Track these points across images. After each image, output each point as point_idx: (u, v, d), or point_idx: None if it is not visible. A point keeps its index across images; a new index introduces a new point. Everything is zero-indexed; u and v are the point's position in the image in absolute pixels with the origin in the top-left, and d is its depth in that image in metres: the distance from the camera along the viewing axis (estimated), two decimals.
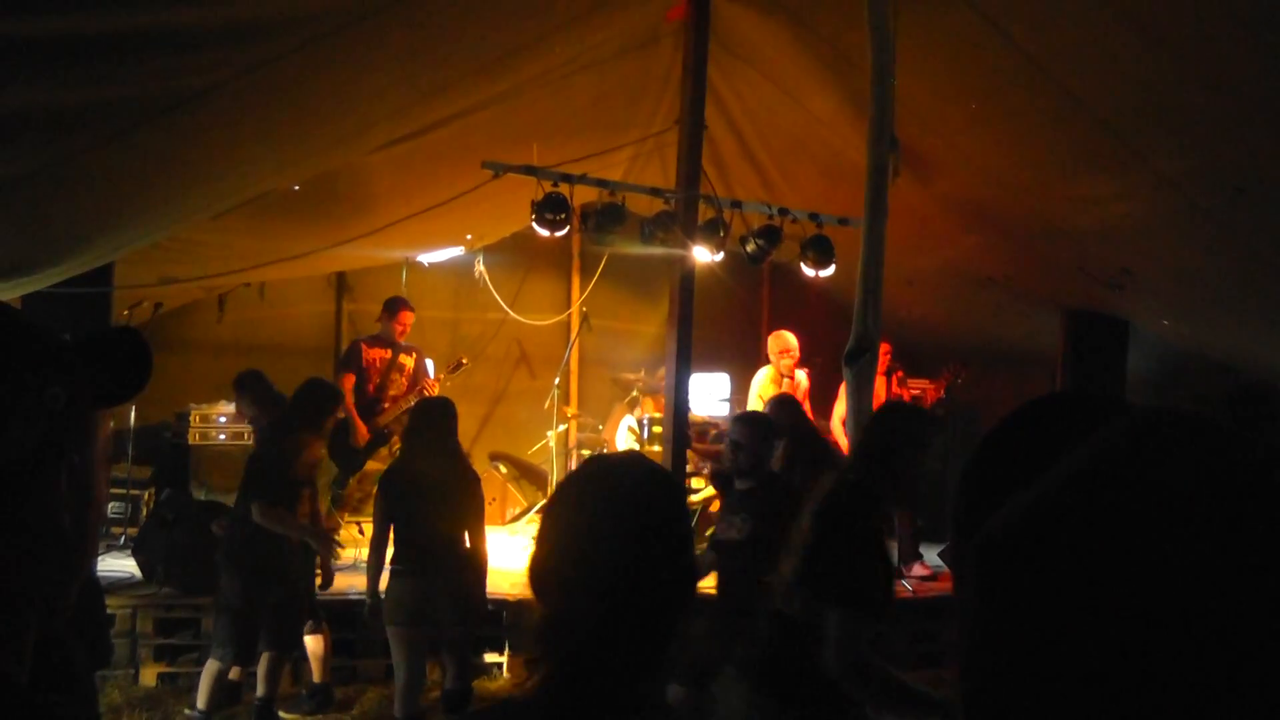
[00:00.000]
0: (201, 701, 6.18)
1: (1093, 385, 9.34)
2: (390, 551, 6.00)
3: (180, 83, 3.90)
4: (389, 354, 9.55)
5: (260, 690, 6.29)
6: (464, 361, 9.99)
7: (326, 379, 6.57)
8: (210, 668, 6.19)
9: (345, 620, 7.64)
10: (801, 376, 9.40)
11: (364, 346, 9.53)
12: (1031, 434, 0.87)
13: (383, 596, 6.04)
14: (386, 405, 9.44)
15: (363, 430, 9.25)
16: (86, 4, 3.17)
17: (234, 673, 6.46)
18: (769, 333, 10.08)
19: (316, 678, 6.87)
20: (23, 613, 1.13)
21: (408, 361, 9.66)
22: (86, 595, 1.32)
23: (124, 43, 3.37)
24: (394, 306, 9.66)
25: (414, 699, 5.97)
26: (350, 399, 9.20)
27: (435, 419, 6.16)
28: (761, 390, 9.06)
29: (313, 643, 6.77)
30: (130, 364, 1.24)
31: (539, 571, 1.57)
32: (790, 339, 9.23)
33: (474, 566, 6.07)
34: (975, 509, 0.86)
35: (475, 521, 6.04)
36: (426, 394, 8.96)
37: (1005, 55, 5.79)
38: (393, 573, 5.94)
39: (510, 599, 7.89)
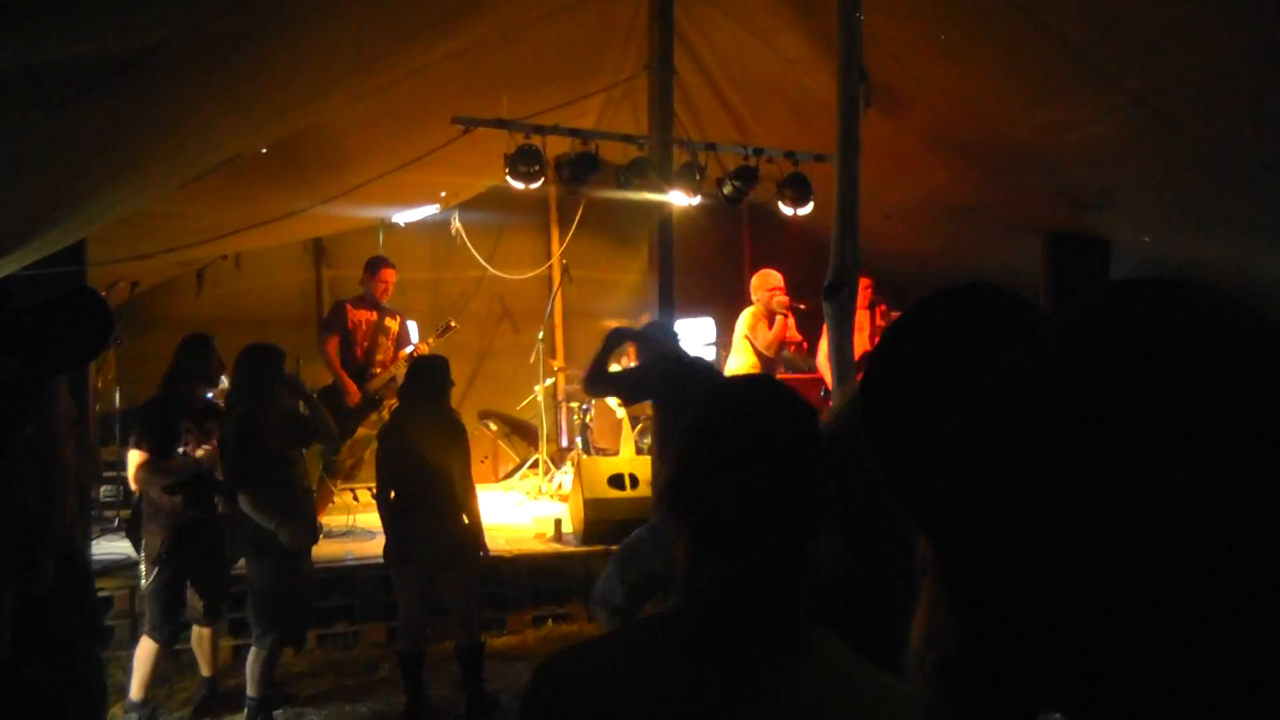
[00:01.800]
0: (254, 689, 6.12)
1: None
2: None
3: (128, 41, 3.82)
4: (374, 316, 9.47)
5: (252, 689, 6.13)
6: (452, 325, 9.93)
7: (264, 343, 6.41)
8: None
9: (344, 585, 7.69)
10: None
11: (349, 307, 9.41)
12: (945, 330, 0.84)
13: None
14: (376, 370, 9.36)
15: (354, 390, 9.18)
16: None
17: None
18: (752, 274, 10.04)
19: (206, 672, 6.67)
20: None
21: (393, 325, 9.59)
22: (71, 565, 1.30)
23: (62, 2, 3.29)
24: (375, 265, 9.56)
25: (410, 635, 6.35)
26: (336, 362, 9.15)
27: (430, 376, 6.45)
28: (748, 330, 9.00)
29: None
30: (87, 324, 1.21)
31: (680, 494, 1.55)
32: (776, 276, 9.14)
33: (459, 515, 6.34)
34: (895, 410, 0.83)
35: (462, 475, 6.31)
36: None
37: None
38: (393, 516, 6.33)
39: (507, 555, 7.92)
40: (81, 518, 7.07)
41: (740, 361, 8.78)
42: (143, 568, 6.22)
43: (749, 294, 9.09)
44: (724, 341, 11.38)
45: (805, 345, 9.40)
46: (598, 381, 6.40)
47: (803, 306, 8.93)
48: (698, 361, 6.54)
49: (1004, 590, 0.65)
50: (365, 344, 9.39)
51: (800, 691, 1.46)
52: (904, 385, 0.80)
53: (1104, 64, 6.14)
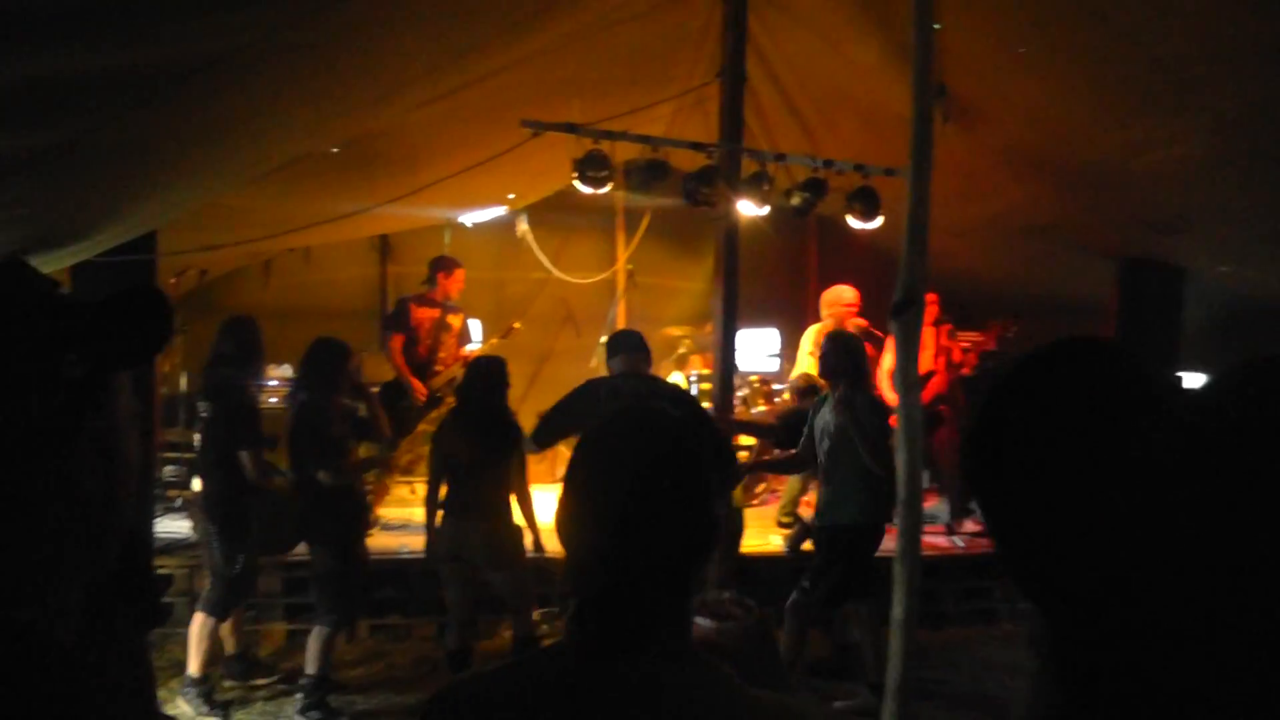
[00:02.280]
0: (313, 666, 6.24)
1: (1148, 335, 9.18)
2: None
3: (210, 45, 3.87)
4: (437, 314, 9.49)
5: (311, 667, 6.30)
6: (516, 326, 9.96)
7: (333, 338, 6.58)
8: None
9: (399, 578, 7.75)
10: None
11: (412, 306, 9.45)
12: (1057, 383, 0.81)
13: None
14: (439, 368, 9.39)
15: (420, 389, 9.23)
16: None
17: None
18: (818, 287, 9.96)
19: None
20: (63, 579, 1.13)
21: (455, 322, 9.61)
22: (131, 557, 1.31)
23: (151, 4, 3.33)
24: (450, 266, 9.58)
25: (458, 632, 6.50)
26: (401, 360, 9.19)
27: (487, 377, 6.54)
28: (814, 346, 8.91)
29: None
30: (151, 322, 1.22)
31: (560, 521, 1.67)
32: (851, 293, 9.04)
33: (510, 516, 6.45)
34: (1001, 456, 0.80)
35: (518, 476, 6.42)
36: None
37: None
38: (443, 515, 6.40)
39: (561, 556, 7.92)
40: (144, 504, 7.22)
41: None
42: (218, 547, 6.32)
43: (815, 307, 9.02)
44: (788, 354, 11.32)
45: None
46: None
47: (864, 323, 8.87)
48: (647, 385, 6.34)
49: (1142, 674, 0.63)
50: (428, 341, 9.41)
51: (677, 709, 1.51)
52: (1017, 456, 0.77)
53: (1191, 82, 5.98)
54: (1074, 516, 0.67)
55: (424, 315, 9.43)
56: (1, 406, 1.07)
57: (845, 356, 6.66)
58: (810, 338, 9.04)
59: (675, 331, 11.19)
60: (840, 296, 8.98)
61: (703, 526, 1.63)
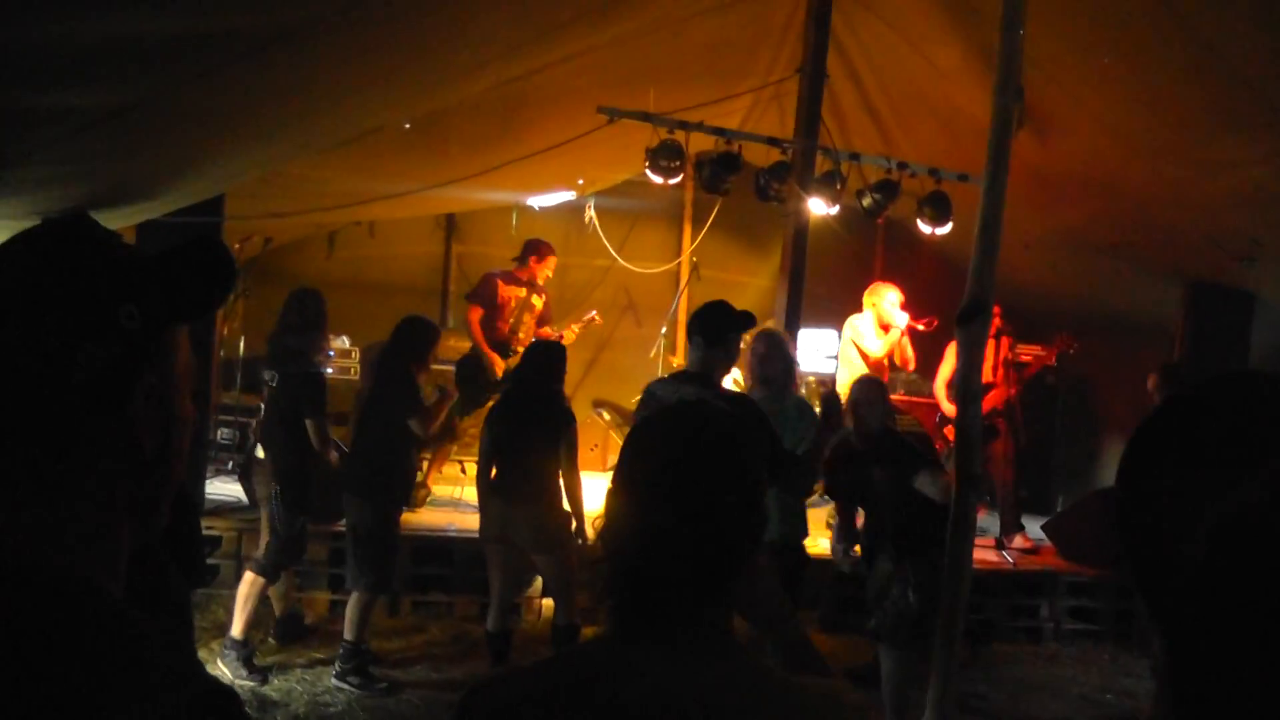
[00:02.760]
0: (351, 632, 6.32)
1: (1214, 361, 9.03)
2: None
3: (290, 12, 3.88)
4: (523, 293, 9.45)
5: (350, 633, 6.37)
6: (596, 319, 9.92)
7: (423, 316, 6.75)
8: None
9: (443, 556, 7.78)
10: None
11: (499, 282, 9.36)
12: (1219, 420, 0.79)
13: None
14: (517, 348, 9.31)
15: (499, 361, 9.21)
16: None
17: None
18: None
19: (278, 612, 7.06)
20: (114, 531, 1.12)
21: (538, 302, 9.55)
22: (181, 516, 1.30)
23: None
24: (543, 249, 9.50)
25: (501, 614, 6.46)
26: (479, 332, 9.17)
27: (545, 362, 6.47)
28: (856, 336, 8.66)
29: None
30: (211, 275, 1.19)
31: (606, 509, 1.65)
32: (895, 291, 8.77)
33: (558, 502, 6.38)
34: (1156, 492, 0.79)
35: (568, 461, 6.32)
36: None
37: (1142, 3, 5.53)
38: (489, 494, 6.36)
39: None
40: (195, 464, 7.31)
41: (847, 373, 8.43)
42: (279, 510, 6.39)
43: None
44: None
45: (912, 367, 9.12)
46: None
47: (921, 327, 8.71)
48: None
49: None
50: (511, 320, 9.38)
51: (715, 699, 1.49)
52: (1167, 488, 0.77)
53: (1276, 101, 5.86)
54: (1230, 552, 0.66)
55: (510, 294, 9.39)
56: (56, 358, 1.05)
57: (781, 360, 6.10)
58: (853, 329, 8.79)
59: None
60: (881, 291, 8.71)
61: (748, 521, 1.62)
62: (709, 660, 1.53)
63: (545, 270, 9.48)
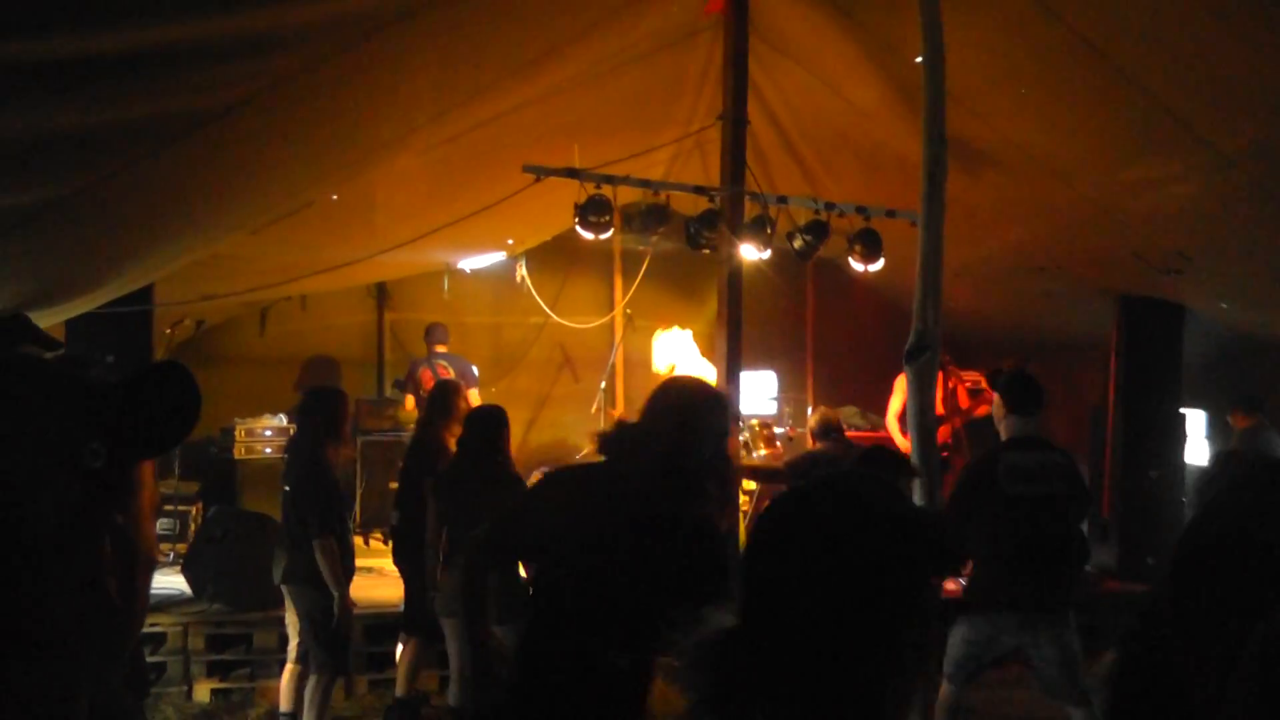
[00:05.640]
0: (311, 718, 6.12)
1: (1148, 371, 9.17)
2: None
3: (212, 97, 3.81)
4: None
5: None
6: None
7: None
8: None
9: (396, 632, 7.60)
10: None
11: (424, 370, 9.62)
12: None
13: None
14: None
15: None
16: (105, 21, 3.05)
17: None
18: (815, 329, 9.86)
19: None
20: (75, 676, 1.04)
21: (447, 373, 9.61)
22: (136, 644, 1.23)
23: (149, 59, 3.26)
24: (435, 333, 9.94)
25: (465, 689, 6.21)
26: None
27: (485, 429, 6.28)
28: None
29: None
30: (176, 406, 1.12)
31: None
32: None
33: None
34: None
35: None
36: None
37: (1056, 34, 5.62)
38: (447, 567, 6.16)
39: None
40: None
41: None
42: (320, 614, 6.10)
43: (813, 349, 8.93)
44: (786, 397, 11.25)
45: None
46: None
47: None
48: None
49: None
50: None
51: None
52: (1219, 592, 0.75)
53: (1191, 121, 5.98)
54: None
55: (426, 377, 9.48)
56: (16, 502, 0.98)
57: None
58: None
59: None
60: None
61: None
62: None
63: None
